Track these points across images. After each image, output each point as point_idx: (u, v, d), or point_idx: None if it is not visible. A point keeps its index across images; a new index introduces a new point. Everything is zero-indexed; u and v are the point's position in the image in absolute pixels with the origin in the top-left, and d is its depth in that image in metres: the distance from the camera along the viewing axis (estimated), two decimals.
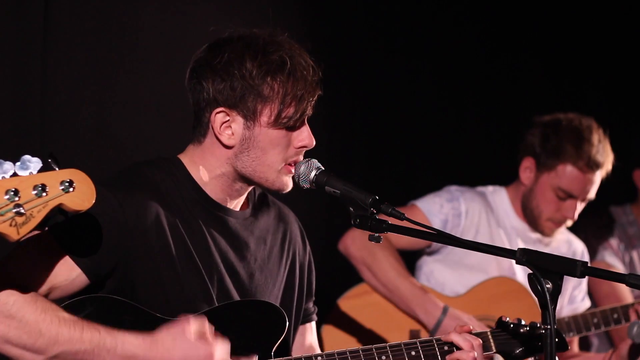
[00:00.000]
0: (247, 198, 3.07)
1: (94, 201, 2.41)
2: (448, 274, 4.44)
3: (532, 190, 4.44)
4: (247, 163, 2.91)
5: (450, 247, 4.35)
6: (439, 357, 3.05)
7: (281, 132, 2.90)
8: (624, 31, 5.87)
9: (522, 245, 4.37)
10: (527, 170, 4.47)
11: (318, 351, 3.23)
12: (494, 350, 3.17)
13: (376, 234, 2.78)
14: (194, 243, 2.89)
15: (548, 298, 2.55)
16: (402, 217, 2.78)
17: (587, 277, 2.92)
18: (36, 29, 3.89)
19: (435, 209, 4.38)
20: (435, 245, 4.42)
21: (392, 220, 2.79)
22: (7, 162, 2.31)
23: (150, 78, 4.20)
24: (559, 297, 2.61)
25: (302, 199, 3.34)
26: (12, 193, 2.28)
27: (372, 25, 5.20)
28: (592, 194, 4.40)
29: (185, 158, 2.98)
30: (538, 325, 3.18)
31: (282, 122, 2.88)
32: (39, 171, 2.34)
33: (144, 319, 2.76)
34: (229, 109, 2.88)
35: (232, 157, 2.92)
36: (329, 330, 4.22)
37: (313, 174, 2.89)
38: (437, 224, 4.32)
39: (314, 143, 2.94)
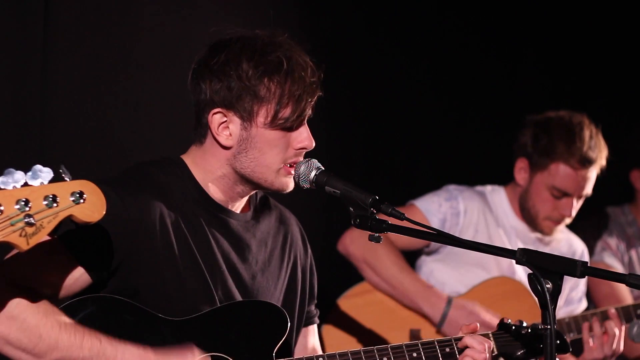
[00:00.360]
0: (248, 201, 3.06)
1: (104, 213, 2.39)
2: (448, 274, 4.43)
3: (528, 191, 4.43)
4: (246, 164, 2.91)
5: (449, 247, 4.35)
6: (440, 358, 3.04)
7: (279, 133, 2.89)
8: (623, 31, 5.87)
9: (521, 245, 4.36)
10: (521, 170, 4.46)
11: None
12: (496, 353, 3.16)
13: (376, 234, 2.78)
14: (196, 243, 2.89)
15: (548, 298, 2.56)
16: (402, 217, 2.77)
17: (586, 277, 2.92)
18: (36, 29, 3.88)
19: (434, 208, 4.38)
20: (433, 244, 4.42)
21: (392, 220, 2.79)
22: (19, 172, 2.29)
23: (151, 78, 4.19)
24: None
25: (302, 199, 3.34)
26: (22, 203, 2.27)
27: (372, 25, 5.20)
28: (587, 190, 4.37)
29: (188, 159, 2.98)
30: (540, 326, 3.17)
31: (280, 123, 2.87)
32: (50, 181, 2.32)
33: (146, 319, 2.76)
34: (226, 109, 2.88)
35: (231, 158, 2.92)
36: (329, 329, 4.22)
37: (313, 174, 2.88)
38: (435, 223, 4.31)
39: (314, 144, 2.93)
